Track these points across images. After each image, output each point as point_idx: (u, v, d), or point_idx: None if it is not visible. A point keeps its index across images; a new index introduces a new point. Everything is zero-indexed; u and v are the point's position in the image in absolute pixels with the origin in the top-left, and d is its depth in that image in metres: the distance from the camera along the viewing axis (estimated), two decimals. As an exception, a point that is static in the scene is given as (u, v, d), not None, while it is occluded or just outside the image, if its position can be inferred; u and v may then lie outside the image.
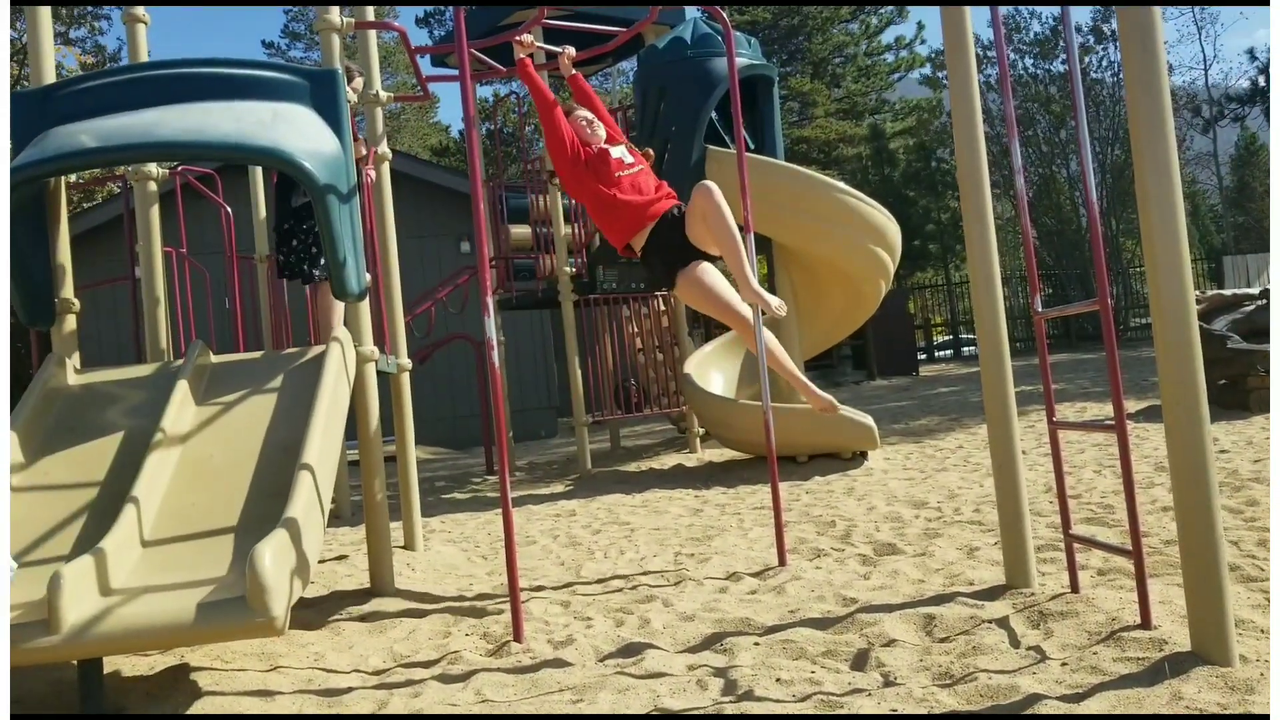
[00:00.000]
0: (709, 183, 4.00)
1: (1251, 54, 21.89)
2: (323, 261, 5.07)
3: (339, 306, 5.18)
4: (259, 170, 7.58)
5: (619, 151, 4.34)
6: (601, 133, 4.36)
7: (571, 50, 4.61)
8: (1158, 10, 2.78)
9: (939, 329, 26.44)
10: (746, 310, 4.11)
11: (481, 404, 10.21)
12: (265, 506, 3.38)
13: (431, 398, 13.52)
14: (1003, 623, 3.19)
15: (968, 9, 3.63)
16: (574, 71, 4.60)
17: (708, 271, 4.13)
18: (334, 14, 4.59)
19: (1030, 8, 25.33)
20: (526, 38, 4.44)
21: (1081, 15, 24.72)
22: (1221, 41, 61.53)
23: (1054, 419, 3.52)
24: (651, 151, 4.55)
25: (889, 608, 3.48)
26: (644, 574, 4.55)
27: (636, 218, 4.19)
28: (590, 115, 4.38)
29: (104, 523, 3.24)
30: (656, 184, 4.32)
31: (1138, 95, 2.77)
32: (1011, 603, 3.38)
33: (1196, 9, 32.39)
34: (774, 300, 3.87)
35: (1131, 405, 8.99)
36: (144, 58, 5.11)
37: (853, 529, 5.14)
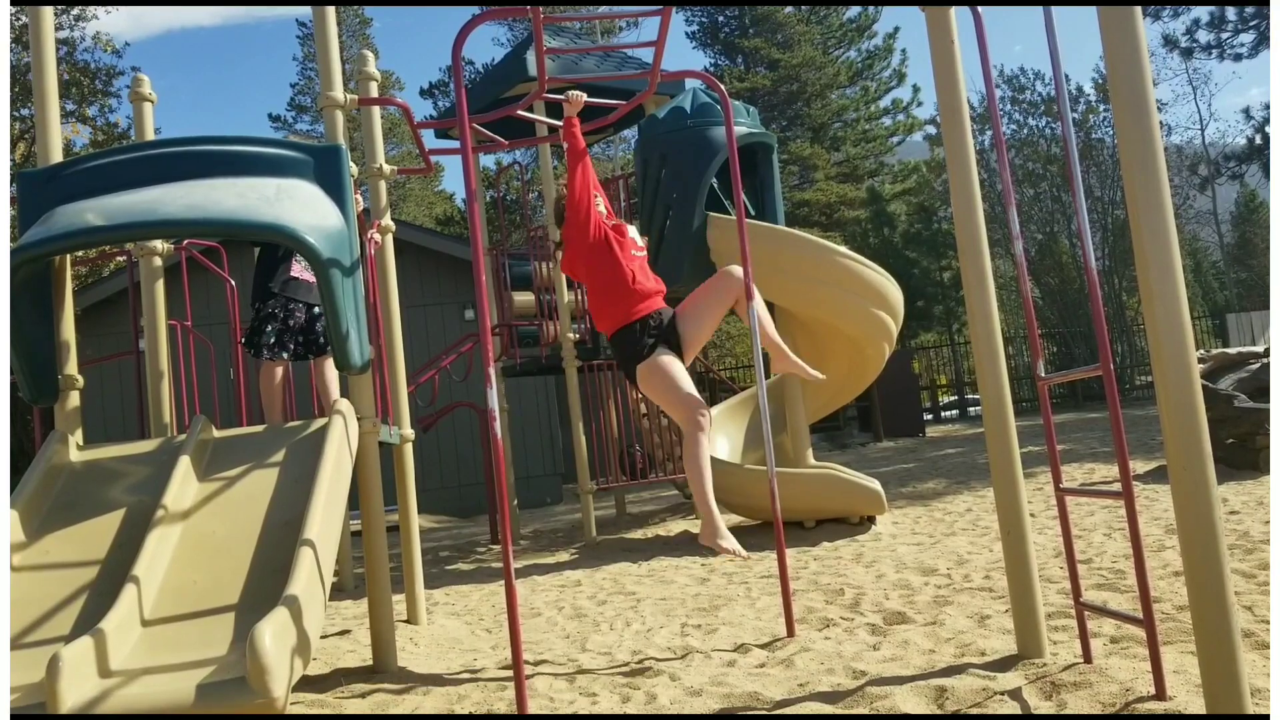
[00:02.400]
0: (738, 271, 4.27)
1: (1247, 113, 22.14)
2: (285, 342, 5.25)
3: (336, 378, 5.22)
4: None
5: (633, 232, 4.28)
6: (603, 208, 4.32)
7: (578, 94, 4.48)
8: (1148, 71, 2.81)
9: (944, 390, 26.38)
10: (694, 404, 3.97)
11: (486, 472, 10.17)
12: (267, 583, 3.35)
13: (436, 465, 13.49)
14: (1015, 694, 3.13)
15: (963, 86, 3.68)
16: (576, 114, 4.43)
17: (672, 361, 4.07)
18: (338, 91, 4.66)
19: (1035, 69, 25.75)
20: (575, 94, 4.37)
21: (1083, 77, 25.07)
22: (1216, 102, 62.05)
23: (1060, 485, 3.49)
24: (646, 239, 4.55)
25: (900, 679, 3.43)
26: (650, 646, 4.49)
27: (640, 306, 4.11)
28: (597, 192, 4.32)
29: (105, 601, 3.22)
30: (654, 275, 4.28)
31: (1132, 157, 2.80)
32: (1024, 673, 3.33)
33: (1190, 69, 32.90)
34: (811, 371, 4.48)
35: (1140, 466, 8.93)
36: (150, 135, 5.20)
37: (861, 597, 5.08)
